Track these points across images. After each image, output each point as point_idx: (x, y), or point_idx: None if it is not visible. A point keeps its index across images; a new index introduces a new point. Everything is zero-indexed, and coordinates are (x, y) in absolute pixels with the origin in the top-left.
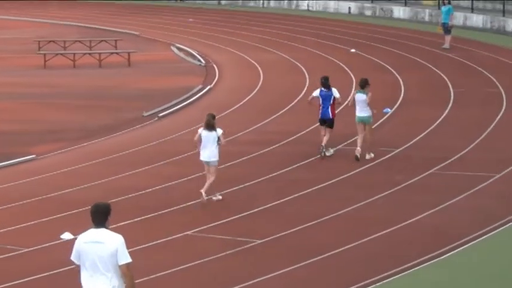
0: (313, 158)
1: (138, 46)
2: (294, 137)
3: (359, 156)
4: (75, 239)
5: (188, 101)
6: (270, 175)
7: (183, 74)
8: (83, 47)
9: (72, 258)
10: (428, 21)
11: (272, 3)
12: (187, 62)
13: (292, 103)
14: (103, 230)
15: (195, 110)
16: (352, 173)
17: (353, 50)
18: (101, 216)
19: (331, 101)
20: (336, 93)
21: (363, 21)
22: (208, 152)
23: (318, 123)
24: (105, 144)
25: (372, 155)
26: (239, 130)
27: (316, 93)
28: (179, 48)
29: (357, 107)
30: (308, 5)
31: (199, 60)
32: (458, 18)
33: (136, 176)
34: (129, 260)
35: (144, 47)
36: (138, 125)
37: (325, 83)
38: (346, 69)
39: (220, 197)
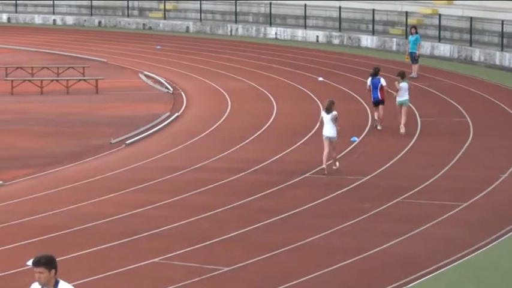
0: (279, 187)
1: (106, 73)
2: (261, 165)
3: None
4: None
5: (156, 128)
6: (237, 203)
7: (150, 101)
8: (51, 73)
9: None
10: (395, 51)
11: (240, 31)
12: (155, 89)
13: (260, 131)
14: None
15: (163, 137)
16: (319, 201)
17: (321, 79)
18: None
19: (380, 87)
20: (383, 81)
21: (330, 49)
22: (329, 129)
23: (372, 104)
24: (73, 170)
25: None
26: (206, 158)
27: (369, 81)
28: (147, 76)
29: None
30: (276, 33)
31: (167, 88)
32: (426, 47)
33: (103, 203)
34: None
35: (112, 74)
36: (106, 151)
37: (376, 73)
38: (314, 97)
39: (338, 165)
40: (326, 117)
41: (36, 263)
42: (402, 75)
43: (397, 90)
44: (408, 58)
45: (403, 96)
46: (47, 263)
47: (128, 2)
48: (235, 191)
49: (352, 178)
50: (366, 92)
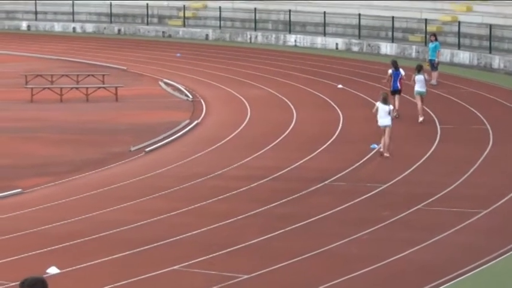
0: (299, 194)
1: (126, 81)
2: (280, 172)
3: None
4: (62, 273)
5: (175, 136)
6: (256, 210)
7: (170, 108)
8: (70, 81)
9: None
10: (415, 58)
11: (260, 39)
12: (174, 96)
13: (279, 138)
14: None
15: (182, 145)
16: (338, 209)
17: (340, 86)
18: None
19: (400, 78)
20: (402, 72)
21: (350, 57)
22: (384, 119)
23: (391, 93)
24: (92, 178)
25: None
26: (226, 165)
27: (390, 72)
28: (167, 83)
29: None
30: (295, 41)
31: (186, 95)
32: (445, 54)
33: (123, 210)
34: None
35: (132, 82)
36: (125, 159)
37: (396, 65)
38: (333, 104)
39: (387, 155)
40: (383, 108)
41: (20, 285)
42: (419, 69)
43: (412, 81)
44: (428, 65)
45: (421, 88)
46: (30, 285)
47: (147, 9)
48: (255, 198)
49: (371, 185)
50: (385, 82)
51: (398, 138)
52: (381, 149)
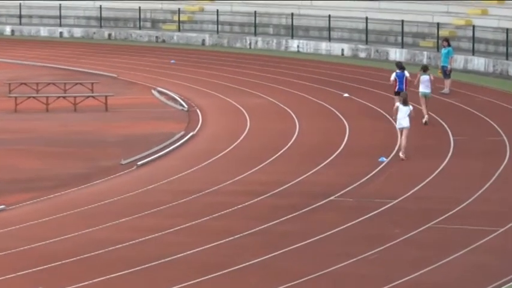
0: (302, 211)
1: (116, 89)
2: (282, 187)
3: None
4: None
5: (169, 149)
6: (257, 228)
7: (164, 119)
8: (57, 89)
9: None
10: (426, 64)
11: (260, 44)
12: (168, 106)
13: (281, 151)
14: None
15: (177, 158)
16: (344, 226)
17: (346, 95)
18: None
19: (405, 79)
20: (407, 73)
21: (356, 63)
22: (403, 120)
23: (394, 94)
24: (80, 194)
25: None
26: (223, 180)
27: (393, 76)
28: (160, 92)
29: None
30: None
31: (181, 105)
32: (459, 61)
33: (113, 229)
34: None
35: (123, 90)
36: (116, 173)
37: (400, 66)
38: (339, 114)
39: (403, 157)
40: (403, 110)
41: None
42: (425, 69)
43: (417, 80)
44: (441, 72)
45: (426, 89)
46: None
47: (139, 13)
48: (255, 215)
49: (380, 201)
50: (390, 84)
51: (408, 150)
52: (400, 153)
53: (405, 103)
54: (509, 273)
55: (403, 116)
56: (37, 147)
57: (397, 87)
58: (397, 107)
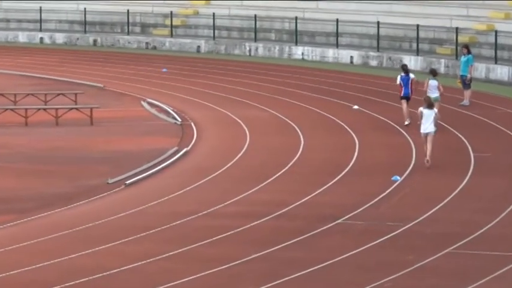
0: (307, 235)
1: (102, 101)
2: (286, 209)
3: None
4: None
5: (161, 166)
6: (257, 254)
7: (155, 133)
8: (37, 101)
9: None
10: (444, 74)
11: (261, 51)
12: (160, 119)
13: (284, 169)
14: None
15: (169, 176)
16: (354, 252)
17: (356, 107)
18: None
19: (410, 82)
20: (412, 75)
21: (367, 72)
22: (428, 125)
23: (400, 99)
24: (63, 216)
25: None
26: (220, 201)
27: (399, 79)
28: (151, 104)
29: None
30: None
31: (174, 118)
32: (480, 70)
33: (99, 254)
34: None
35: (109, 102)
36: (102, 193)
37: (405, 70)
38: (347, 128)
39: (428, 165)
40: (427, 114)
41: None
42: (434, 73)
43: (426, 85)
44: (460, 82)
45: (433, 94)
46: None
47: (128, 16)
48: (255, 240)
49: (393, 224)
50: (397, 87)
51: (424, 168)
52: (426, 159)
53: (430, 106)
54: None
55: (427, 121)
56: (15, 165)
57: (402, 91)
58: (421, 112)
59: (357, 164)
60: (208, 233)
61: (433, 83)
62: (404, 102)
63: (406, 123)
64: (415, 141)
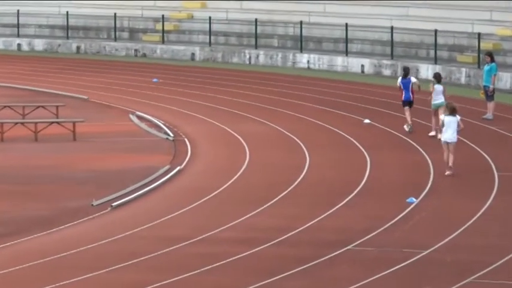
0: (313, 263)
1: (87, 114)
2: (289, 234)
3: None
4: None
5: (151, 187)
6: (257, 284)
7: (144, 150)
8: (14, 114)
9: None
10: (465, 84)
11: (262, 59)
12: (150, 135)
13: (288, 189)
14: None
15: (160, 198)
16: (365, 282)
17: (367, 121)
18: None
19: (411, 86)
20: (413, 79)
21: (379, 83)
22: (450, 134)
23: (402, 104)
24: (42, 242)
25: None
26: (217, 225)
27: (399, 82)
28: (140, 117)
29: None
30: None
31: (166, 133)
32: (505, 80)
33: (81, 285)
34: None
35: (94, 115)
36: (86, 217)
37: (406, 74)
38: (358, 145)
39: (451, 169)
40: (450, 120)
41: None
42: (438, 78)
43: (430, 92)
44: (483, 94)
45: (438, 99)
46: None
47: (115, 20)
48: (255, 268)
49: (407, 251)
50: (398, 91)
51: (442, 189)
52: (448, 170)
53: (453, 113)
54: None
55: (450, 128)
56: None
57: (403, 96)
58: (443, 120)
59: (368, 184)
60: (203, 260)
61: (438, 88)
62: (407, 110)
63: (407, 129)
64: (433, 159)
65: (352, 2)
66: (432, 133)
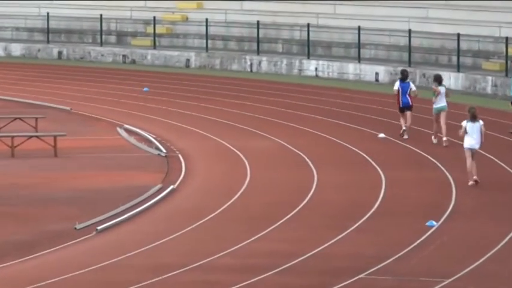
0: None
1: (69, 127)
2: (295, 261)
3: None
4: None
5: (140, 208)
6: None
7: (134, 168)
8: None
9: None
10: (491, 94)
11: (265, 66)
12: (140, 150)
13: (293, 211)
14: None
15: (151, 220)
16: None
17: (382, 135)
18: None
19: (409, 91)
20: (412, 85)
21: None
22: (474, 140)
23: (398, 111)
24: (21, 268)
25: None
26: (214, 251)
27: (397, 86)
28: (129, 131)
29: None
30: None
31: (158, 149)
32: None
33: None
34: None
35: (78, 129)
36: (68, 241)
37: (405, 77)
38: (371, 162)
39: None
40: (473, 127)
41: None
42: (439, 80)
43: (436, 96)
44: None
45: (440, 103)
46: None
47: (101, 23)
48: None
49: (426, 280)
50: (394, 96)
51: (466, 210)
52: (473, 178)
53: (474, 118)
54: None
55: (474, 134)
56: None
57: (400, 100)
58: (465, 126)
59: (383, 205)
60: None
61: (441, 89)
62: (403, 115)
63: (403, 129)
64: (455, 177)
65: (366, 2)
66: (444, 143)
